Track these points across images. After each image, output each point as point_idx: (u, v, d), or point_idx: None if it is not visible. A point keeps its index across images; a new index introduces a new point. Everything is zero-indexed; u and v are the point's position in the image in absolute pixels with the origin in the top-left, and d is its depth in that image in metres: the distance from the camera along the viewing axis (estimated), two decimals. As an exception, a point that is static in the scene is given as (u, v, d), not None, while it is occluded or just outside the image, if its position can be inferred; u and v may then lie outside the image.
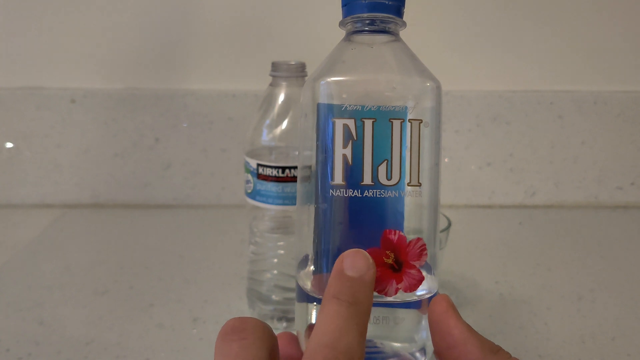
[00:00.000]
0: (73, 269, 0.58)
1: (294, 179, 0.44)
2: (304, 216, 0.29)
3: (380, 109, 0.27)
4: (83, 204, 0.77)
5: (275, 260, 0.47)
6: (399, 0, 0.29)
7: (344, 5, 0.30)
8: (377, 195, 0.27)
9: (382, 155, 0.27)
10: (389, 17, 0.29)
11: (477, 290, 0.53)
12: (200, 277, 0.56)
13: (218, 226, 0.71)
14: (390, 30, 0.30)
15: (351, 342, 0.22)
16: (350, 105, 0.27)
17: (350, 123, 0.27)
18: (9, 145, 0.76)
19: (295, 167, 0.44)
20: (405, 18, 0.30)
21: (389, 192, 0.27)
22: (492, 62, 0.77)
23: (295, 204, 0.38)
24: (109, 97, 0.75)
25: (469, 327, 0.26)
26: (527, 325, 0.47)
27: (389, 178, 0.27)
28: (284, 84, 0.46)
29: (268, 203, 0.45)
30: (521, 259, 0.61)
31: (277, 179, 0.44)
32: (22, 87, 0.76)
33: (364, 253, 0.25)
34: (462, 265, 0.59)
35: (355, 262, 0.25)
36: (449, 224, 0.50)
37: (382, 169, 0.27)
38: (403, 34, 0.31)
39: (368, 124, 0.27)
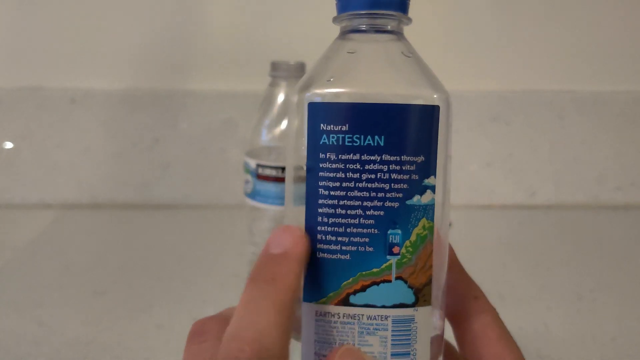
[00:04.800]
0: (73, 269, 0.58)
1: (293, 179, 0.44)
2: (298, 218, 0.29)
3: None
4: (83, 204, 0.77)
5: (275, 260, 0.47)
6: None
7: None
8: None
9: None
10: (391, 14, 0.25)
11: (477, 290, 0.53)
12: (200, 277, 0.56)
13: (218, 226, 0.71)
14: (392, 28, 0.26)
15: (263, 328, 0.19)
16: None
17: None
18: (9, 145, 0.76)
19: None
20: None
21: None
22: (492, 62, 0.77)
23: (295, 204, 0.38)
24: (109, 97, 0.75)
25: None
26: (527, 325, 0.47)
27: None
28: (283, 84, 0.46)
29: (267, 203, 0.45)
30: (521, 259, 0.61)
31: (276, 179, 0.44)
32: (22, 87, 0.76)
33: (293, 228, 0.23)
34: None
35: (280, 238, 0.22)
36: (449, 224, 0.50)
37: None
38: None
39: None
